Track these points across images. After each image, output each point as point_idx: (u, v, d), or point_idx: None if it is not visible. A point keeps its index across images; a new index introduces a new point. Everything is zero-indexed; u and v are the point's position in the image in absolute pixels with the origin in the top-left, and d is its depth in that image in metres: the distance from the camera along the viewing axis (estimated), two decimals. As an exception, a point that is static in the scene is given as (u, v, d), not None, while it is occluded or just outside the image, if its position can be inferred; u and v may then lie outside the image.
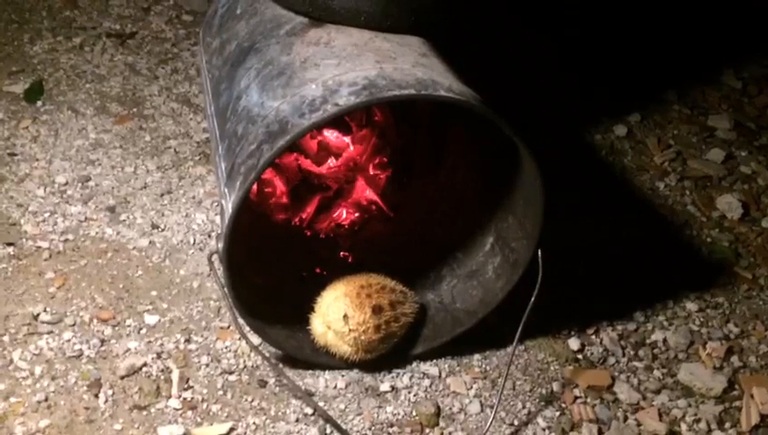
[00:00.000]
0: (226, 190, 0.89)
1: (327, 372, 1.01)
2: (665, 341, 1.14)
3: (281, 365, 1.01)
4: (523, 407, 1.01)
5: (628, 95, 1.72)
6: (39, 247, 1.13)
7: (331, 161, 1.17)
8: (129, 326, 1.03)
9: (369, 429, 0.95)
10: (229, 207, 0.86)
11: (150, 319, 1.05)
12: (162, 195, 1.26)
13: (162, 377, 0.97)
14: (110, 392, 0.94)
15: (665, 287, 1.23)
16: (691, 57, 1.87)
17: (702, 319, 1.19)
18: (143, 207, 1.23)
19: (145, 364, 0.98)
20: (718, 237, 1.36)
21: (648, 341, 1.14)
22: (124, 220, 1.20)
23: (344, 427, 0.94)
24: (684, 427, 1.02)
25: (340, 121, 1.15)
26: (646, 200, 1.44)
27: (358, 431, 0.95)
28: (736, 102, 1.76)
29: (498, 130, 0.89)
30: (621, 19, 1.93)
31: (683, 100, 1.74)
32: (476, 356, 1.06)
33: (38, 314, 1.02)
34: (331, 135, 1.17)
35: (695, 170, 1.53)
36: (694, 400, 1.06)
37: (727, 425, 1.03)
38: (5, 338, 0.99)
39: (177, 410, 0.94)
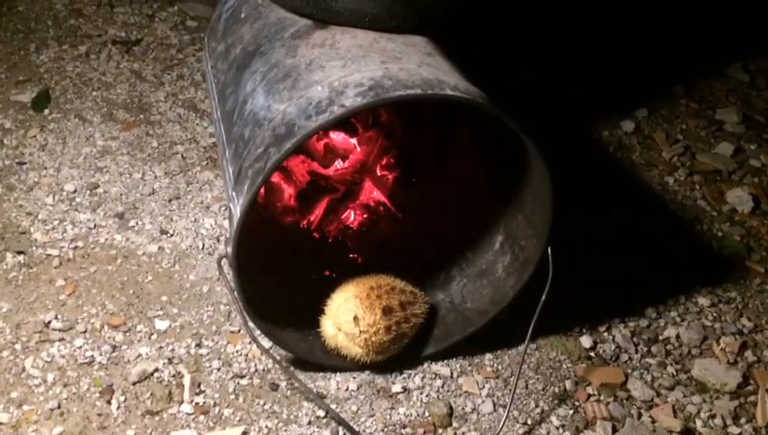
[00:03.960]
0: (234, 194, 0.89)
1: (338, 374, 1.01)
2: (678, 337, 1.14)
3: (292, 368, 1.01)
4: (536, 406, 1.00)
5: (634, 90, 1.71)
6: (49, 255, 1.13)
7: (338, 163, 1.17)
8: (140, 332, 1.03)
9: (382, 430, 0.95)
10: (237, 211, 0.86)
11: (161, 324, 1.05)
12: (170, 200, 1.26)
13: (174, 382, 0.97)
14: (122, 398, 0.94)
15: (676, 283, 1.22)
16: (697, 51, 1.86)
17: (715, 314, 1.18)
18: (152, 213, 1.23)
19: (156, 370, 0.98)
20: (729, 231, 1.36)
21: (660, 337, 1.13)
22: (133, 226, 1.20)
23: (357, 429, 0.94)
24: (699, 423, 1.01)
25: (346, 123, 1.15)
26: (655, 196, 1.43)
27: (370, 433, 0.94)
28: (744, 95, 1.75)
29: (505, 128, 0.88)
30: (627, 13, 1.92)
31: (690, 94, 1.74)
32: (488, 356, 1.06)
33: (49, 322, 1.03)
34: (337, 137, 1.17)
35: (704, 165, 1.52)
36: (708, 395, 1.05)
37: (743, 420, 1.03)
38: (17, 346, 0.99)
39: (190, 414, 0.94)
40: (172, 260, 1.15)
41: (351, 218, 1.19)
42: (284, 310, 1.00)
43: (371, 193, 1.19)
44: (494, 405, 1.00)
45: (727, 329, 1.16)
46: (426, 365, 1.04)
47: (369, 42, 0.96)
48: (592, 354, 1.09)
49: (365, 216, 1.19)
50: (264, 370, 1.00)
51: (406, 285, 1.02)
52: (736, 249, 1.32)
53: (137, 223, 1.21)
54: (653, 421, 1.00)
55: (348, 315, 0.95)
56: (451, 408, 0.98)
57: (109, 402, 0.94)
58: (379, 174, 1.18)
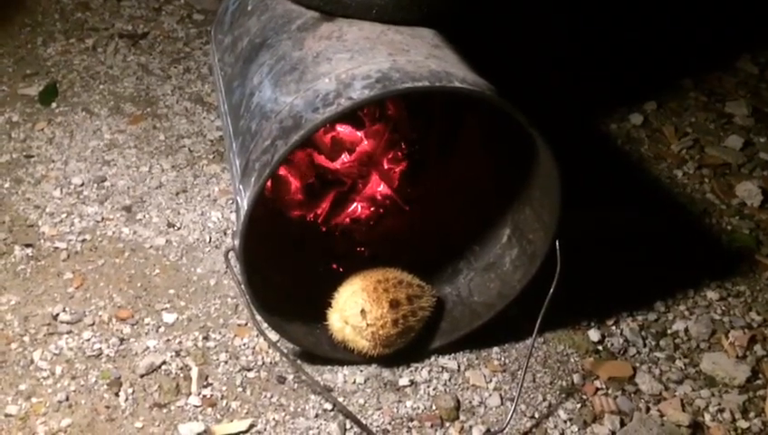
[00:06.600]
0: (241, 187, 0.89)
1: (345, 367, 1.01)
2: (686, 330, 1.13)
3: (299, 361, 1.01)
4: (544, 399, 1.00)
5: (643, 83, 1.70)
6: (57, 248, 1.13)
7: (345, 157, 1.17)
8: (147, 325, 1.04)
9: (389, 423, 0.95)
10: (244, 204, 0.86)
11: (169, 317, 1.05)
12: (177, 194, 1.26)
13: (181, 375, 0.97)
14: (130, 391, 0.95)
15: (685, 277, 1.22)
16: (707, 43, 1.85)
17: (723, 308, 1.18)
18: (159, 207, 1.23)
19: (164, 362, 0.98)
20: (738, 225, 1.35)
21: (669, 331, 1.13)
22: (140, 220, 1.20)
23: (364, 422, 0.94)
24: (707, 417, 1.01)
25: (353, 116, 1.14)
26: (664, 189, 1.42)
27: (377, 426, 0.94)
28: (754, 88, 1.73)
29: (513, 121, 0.88)
30: (636, 5, 1.90)
31: (699, 87, 1.72)
32: (495, 349, 1.06)
33: (57, 315, 1.03)
34: (344, 130, 1.16)
35: (713, 158, 1.51)
36: (717, 389, 1.05)
37: (752, 414, 1.02)
38: (26, 338, 1.00)
39: (197, 407, 0.94)
40: (179, 253, 1.15)
41: (358, 212, 1.19)
42: (291, 303, 1.00)
43: (378, 186, 1.18)
44: (502, 399, 0.99)
45: (736, 323, 1.15)
46: (433, 358, 1.04)
47: (377, 34, 0.95)
48: (600, 348, 1.09)
49: (372, 209, 1.19)
50: (271, 363, 1.00)
51: (413, 278, 1.01)
52: (745, 243, 1.31)
53: (144, 216, 1.21)
54: (661, 415, 1.00)
55: (355, 308, 0.95)
56: (458, 401, 0.98)
57: (116, 395, 0.94)
58: (385, 167, 1.18)
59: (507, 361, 1.05)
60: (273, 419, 0.94)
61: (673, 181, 1.44)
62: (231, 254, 0.90)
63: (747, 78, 1.77)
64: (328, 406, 0.96)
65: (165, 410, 0.93)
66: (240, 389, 0.97)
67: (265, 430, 0.93)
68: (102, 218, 1.20)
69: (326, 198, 1.16)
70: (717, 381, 1.06)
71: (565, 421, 0.98)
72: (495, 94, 0.87)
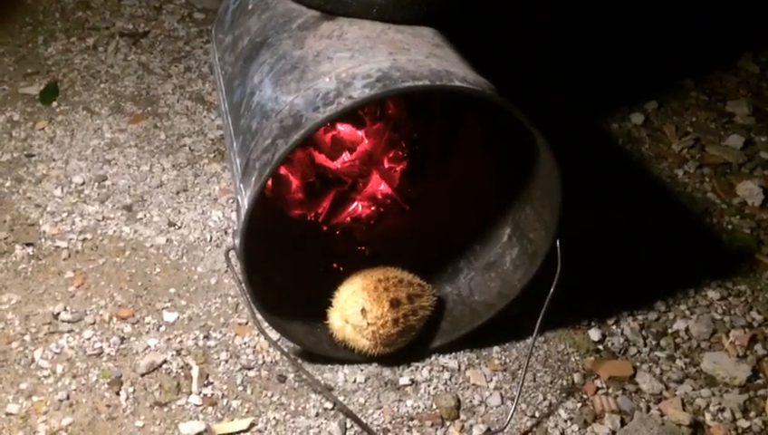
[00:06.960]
0: (242, 186, 0.89)
1: (346, 366, 1.01)
2: (687, 330, 1.13)
3: (300, 360, 1.01)
4: (545, 399, 1.00)
5: (644, 83, 1.70)
6: (58, 247, 1.13)
7: (346, 156, 1.17)
8: (148, 324, 1.04)
9: (390, 422, 0.95)
10: (245, 203, 0.86)
11: (169, 316, 1.05)
12: (178, 193, 1.26)
13: (182, 374, 0.98)
14: (130, 390, 0.95)
15: (686, 276, 1.22)
16: (708, 43, 1.85)
17: (724, 307, 1.18)
18: (159, 206, 1.23)
19: (165, 361, 0.99)
20: (739, 224, 1.35)
21: (669, 330, 1.13)
22: (141, 219, 1.20)
23: (364, 421, 0.94)
24: (708, 416, 1.01)
25: (354, 115, 1.14)
26: (665, 188, 1.42)
27: (378, 425, 0.94)
28: (755, 87, 1.73)
29: (514, 121, 0.88)
30: (637, 4, 1.90)
31: (700, 86, 1.72)
32: (496, 348, 1.06)
33: (58, 314, 1.03)
34: (345, 129, 1.16)
35: (714, 157, 1.51)
36: (717, 389, 1.05)
37: (752, 414, 1.02)
38: (27, 337, 1.00)
39: (198, 406, 0.94)
40: (180, 252, 1.15)
41: (359, 211, 1.19)
42: (292, 302, 1.00)
43: (379, 186, 1.18)
44: (502, 398, 0.99)
45: (737, 322, 1.15)
46: (433, 358, 1.04)
47: (377, 33, 0.95)
48: (601, 347, 1.09)
49: (372, 208, 1.19)
50: (271, 362, 1.00)
51: (413, 277, 1.01)
52: (746, 242, 1.31)
53: (145, 215, 1.21)
54: (662, 415, 1.00)
55: (355, 308, 0.95)
56: (459, 400, 0.98)
57: (117, 394, 0.94)
58: (386, 166, 1.18)
59: (508, 360, 1.05)
60: (274, 418, 0.94)
61: (674, 181, 1.44)
62: (231, 253, 0.90)
63: (748, 77, 1.77)
64: (328, 405, 0.96)
65: (165, 409, 0.93)
66: (241, 388, 0.97)
67: (266, 428, 0.93)
68: (103, 217, 1.20)
69: (326, 197, 1.16)
70: (718, 380, 1.06)
71: (566, 421, 0.98)
72: (496, 93, 0.87)
